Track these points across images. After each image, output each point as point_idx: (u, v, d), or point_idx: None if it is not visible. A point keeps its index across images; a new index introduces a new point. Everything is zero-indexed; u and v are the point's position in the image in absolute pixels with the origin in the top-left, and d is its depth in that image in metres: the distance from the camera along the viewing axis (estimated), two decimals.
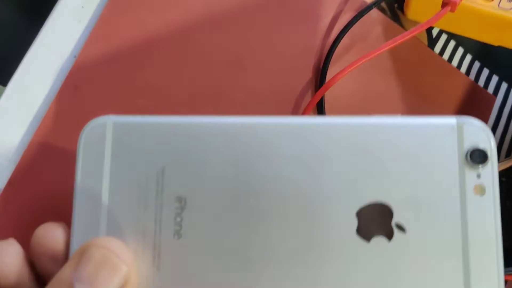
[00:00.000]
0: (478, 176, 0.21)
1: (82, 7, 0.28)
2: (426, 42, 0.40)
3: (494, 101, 0.43)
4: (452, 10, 0.32)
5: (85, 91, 0.28)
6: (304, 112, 0.33)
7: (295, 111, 0.34)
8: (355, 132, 0.22)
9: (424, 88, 0.39)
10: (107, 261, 0.19)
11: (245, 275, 0.21)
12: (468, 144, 0.21)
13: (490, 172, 0.21)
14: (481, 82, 0.43)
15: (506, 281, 0.35)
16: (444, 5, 0.32)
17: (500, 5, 0.33)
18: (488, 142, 0.21)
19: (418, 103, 0.39)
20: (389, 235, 0.21)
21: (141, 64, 0.29)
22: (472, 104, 0.42)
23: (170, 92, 0.29)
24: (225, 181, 0.21)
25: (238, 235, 0.21)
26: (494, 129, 0.43)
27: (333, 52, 0.34)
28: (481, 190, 0.21)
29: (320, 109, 0.34)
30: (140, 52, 0.29)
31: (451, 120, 0.22)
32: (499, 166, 0.41)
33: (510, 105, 0.45)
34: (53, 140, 0.28)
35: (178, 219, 0.21)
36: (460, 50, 0.42)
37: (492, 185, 0.21)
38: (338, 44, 0.34)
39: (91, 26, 0.28)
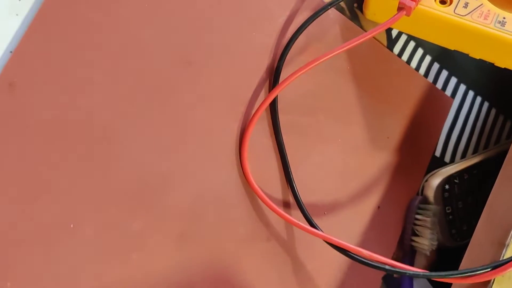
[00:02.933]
0: None
1: (19, 0, 0.26)
2: (385, 42, 0.39)
3: (451, 103, 0.43)
4: (407, 14, 0.31)
5: (21, 88, 0.26)
6: (257, 112, 0.32)
7: (248, 112, 0.33)
8: None
9: (381, 89, 0.39)
10: None
11: None
12: None
13: None
14: (440, 84, 0.43)
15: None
16: (399, 9, 0.32)
17: (455, 11, 0.32)
18: None
19: (374, 104, 0.38)
20: None
21: (82, 60, 0.27)
22: (429, 106, 0.42)
23: (113, 91, 0.28)
24: None
25: None
26: (451, 130, 0.44)
27: (287, 52, 0.33)
28: None
29: (273, 110, 0.33)
30: (81, 48, 0.27)
31: None
32: (458, 166, 0.41)
33: (467, 107, 0.45)
34: None
35: None
36: (420, 51, 0.41)
37: None
38: (292, 44, 0.33)
39: (29, 20, 0.26)
